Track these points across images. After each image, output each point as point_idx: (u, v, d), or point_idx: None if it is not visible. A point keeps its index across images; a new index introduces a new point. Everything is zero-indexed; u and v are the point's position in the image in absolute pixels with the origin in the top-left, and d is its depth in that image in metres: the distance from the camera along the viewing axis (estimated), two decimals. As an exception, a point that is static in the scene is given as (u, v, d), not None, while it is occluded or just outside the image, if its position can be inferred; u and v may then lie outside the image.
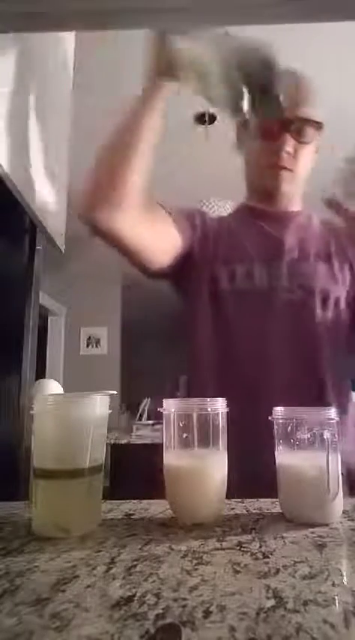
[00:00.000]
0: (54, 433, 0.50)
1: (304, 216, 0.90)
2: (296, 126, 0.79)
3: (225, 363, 0.79)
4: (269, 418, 0.54)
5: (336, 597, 0.32)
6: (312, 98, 0.82)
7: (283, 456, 0.53)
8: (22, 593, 0.33)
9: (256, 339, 0.79)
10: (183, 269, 0.83)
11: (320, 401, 0.75)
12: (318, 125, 0.81)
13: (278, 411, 0.54)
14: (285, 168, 0.81)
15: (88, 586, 0.34)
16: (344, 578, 0.36)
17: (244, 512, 0.54)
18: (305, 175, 0.86)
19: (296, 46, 1.64)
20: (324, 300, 0.80)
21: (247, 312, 0.80)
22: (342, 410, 0.77)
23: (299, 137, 0.80)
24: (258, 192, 0.89)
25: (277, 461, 0.53)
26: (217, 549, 0.42)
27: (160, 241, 0.79)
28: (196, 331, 0.85)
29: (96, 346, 4.00)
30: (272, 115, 0.66)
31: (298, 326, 0.79)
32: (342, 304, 0.82)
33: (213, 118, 2.05)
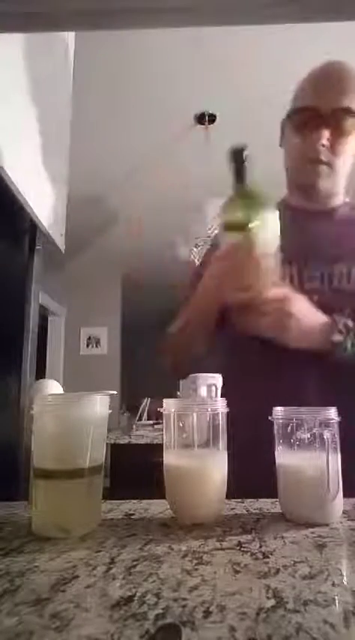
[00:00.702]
0: (54, 433, 0.50)
1: (347, 209, 0.87)
2: (334, 118, 0.76)
3: (260, 368, 0.77)
4: (270, 418, 0.54)
5: (336, 597, 0.32)
6: (351, 87, 0.77)
7: (283, 456, 0.53)
8: (22, 593, 0.33)
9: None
10: None
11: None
12: None
13: (278, 411, 0.54)
14: (322, 162, 0.78)
15: (88, 586, 0.34)
16: (344, 578, 0.36)
17: (244, 512, 0.54)
18: (346, 170, 0.83)
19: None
20: None
21: None
22: None
23: (337, 129, 0.77)
24: (297, 189, 0.86)
25: (277, 461, 0.53)
26: (217, 549, 0.42)
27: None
28: (231, 338, 0.84)
29: (96, 346, 4.00)
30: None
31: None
32: None
33: (212, 118, 2.05)
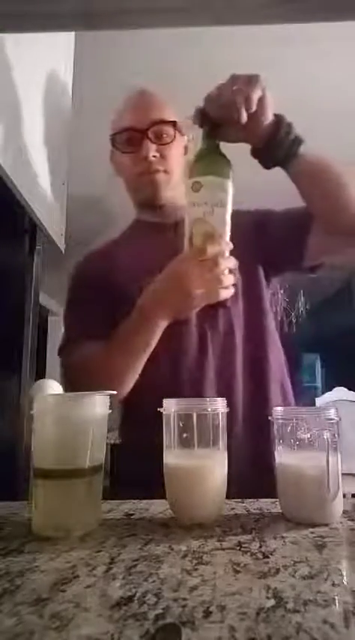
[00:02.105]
0: (54, 433, 0.50)
1: None
2: (153, 130, 0.82)
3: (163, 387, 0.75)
4: (269, 418, 0.54)
5: (336, 597, 0.32)
6: (163, 105, 0.86)
7: (283, 456, 0.53)
8: (22, 593, 0.33)
9: (174, 356, 0.79)
10: None
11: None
12: (174, 124, 0.84)
13: (278, 411, 0.54)
14: (157, 171, 0.83)
15: (88, 586, 0.34)
16: (344, 578, 0.36)
17: (244, 512, 0.54)
18: (179, 174, 0.87)
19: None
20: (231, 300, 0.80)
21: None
22: None
23: (159, 139, 0.82)
24: (143, 206, 0.90)
25: (277, 461, 0.53)
26: (217, 549, 0.42)
27: None
28: None
29: (96, 346, 3.99)
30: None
31: (212, 330, 0.80)
32: (251, 296, 0.83)
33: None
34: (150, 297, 0.72)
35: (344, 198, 0.72)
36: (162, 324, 0.72)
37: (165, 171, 0.84)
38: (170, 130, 0.83)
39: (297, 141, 0.70)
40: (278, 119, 0.70)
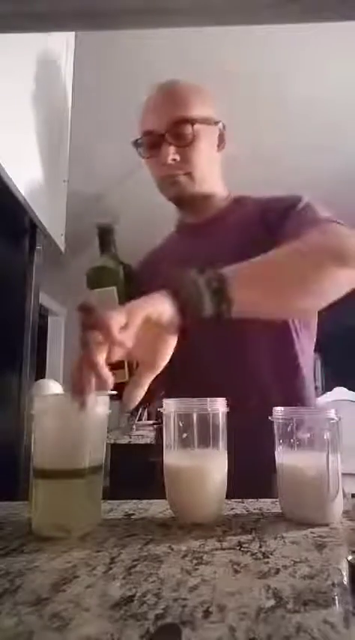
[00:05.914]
0: (54, 433, 0.50)
1: (227, 208, 0.87)
2: (172, 132, 0.78)
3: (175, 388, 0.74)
4: (270, 418, 0.54)
5: (336, 597, 0.32)
6: (183, 100, 0.80)
7: (283, 456, 0.53)
8: (22, 593, 0.33)
9: (192, 355, 0.75)
10: None
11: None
12: (193, 121, 0.78)
13: (279, 411, 0.54)
14: (177, 175, 0.81)
15: (88, 586, 0.34)
16: (344, 578, 0.36)
17: (244, 512, 0.54)
18: (209, 170, 0.84)
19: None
20: None
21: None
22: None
23: (179, 141, 0.78)
24: (177, 206, 0.89)
25: (277, 461, 0.53)
26: (217, 549, 0.42)
27: None
28: None
29: (96, 346, 3.98)
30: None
31: (230, 330, 0.75)
32: None
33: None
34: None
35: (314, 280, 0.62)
36: None
37: (187, 174, 0.81)
38: (190, 129, 0.78)
39: (219, 293, 0.51)
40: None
